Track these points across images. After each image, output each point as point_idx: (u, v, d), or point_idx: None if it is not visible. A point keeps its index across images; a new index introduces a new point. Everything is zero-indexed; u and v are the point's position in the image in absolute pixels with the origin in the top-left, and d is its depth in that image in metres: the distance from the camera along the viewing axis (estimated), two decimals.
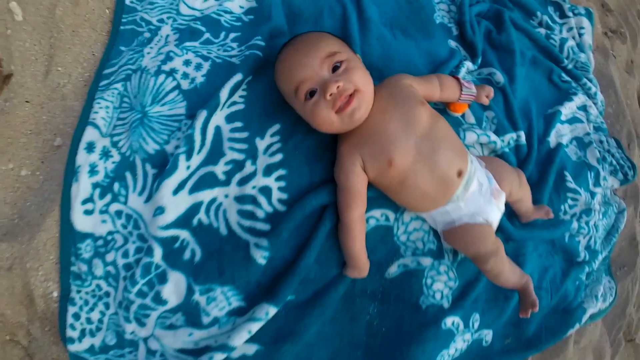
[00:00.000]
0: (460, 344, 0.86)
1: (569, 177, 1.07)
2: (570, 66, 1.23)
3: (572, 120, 1.19)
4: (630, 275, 1.32)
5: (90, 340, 0.71)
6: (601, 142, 1.21)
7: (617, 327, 1.31)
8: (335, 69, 0.69)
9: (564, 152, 1.10)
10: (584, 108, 1.22)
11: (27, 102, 0.80)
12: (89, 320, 0.71)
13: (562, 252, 1.05)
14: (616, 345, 1.32)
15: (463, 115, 0.96)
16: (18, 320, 0.74)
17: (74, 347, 0.70)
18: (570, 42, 1.26)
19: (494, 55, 1.13)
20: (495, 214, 0.80)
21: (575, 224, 1.06)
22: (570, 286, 1.04)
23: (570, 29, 1.33)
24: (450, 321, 0.83)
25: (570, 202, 1.07)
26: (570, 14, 1.35)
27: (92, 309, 0.71)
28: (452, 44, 1.10)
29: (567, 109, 1.16)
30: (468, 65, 1.04)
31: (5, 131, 0.77)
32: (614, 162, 1.20)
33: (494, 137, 0.94)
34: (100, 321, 0.72)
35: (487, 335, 0.92)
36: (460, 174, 0.75)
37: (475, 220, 0.78)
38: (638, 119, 1.51)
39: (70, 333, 0.70)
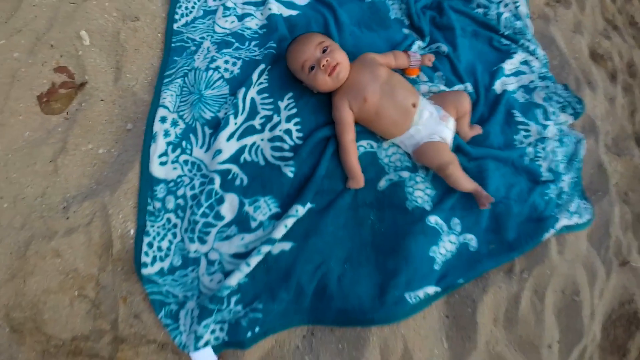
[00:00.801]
0: (448, 244, 1.10)
1: (517, 114, 1.33)
2: (507, 32, 1.52)
3: (517, 73, 1.46)
4: (606, 198, 1.48)
5: (160, 264, 1.00)
6: (547, 86, 1.46)
7: (605, 246, 1.44)
8: (324, 51, 1.10)
9: (511, 96, 1.37)
10: (526, 63, 1.49)
11: (101, 100, 1.18)
12: (159, 248, 1.01)
13: (525, 173, 1.28)
14: (608, 263, 1.46)
15: (418, 77, 1.29)
16: (89, 272, 1.03)
17: (146, 271, 0.99)
18: (506, 14, 1.56)
19: (439, 34, 1.46)
20: (446, 132, 1.12)
21: (530, 149, 1.30)
22: (538, 199, 1.24)
23: (506, 4, 1.62)
24: (433, 219, 1.09)
25: (523, 133, 1.32)
26: None
27: (162, 239, 1.02)
28: (406, 31, 1.47)
29: (509, 65, 1.44)
30: (419, 43, 1.41)
31: (85, 122, 1.15)
32: (562, 100, 1.44)
33: (443, 87, 1.24)
34: (169, 248, 1.01)
35: (472, 240, 1.14)
36: (414, 105, 1.10)
37: (433, 139, 1.09)
38: (587, 69, 1.74)
39: (144, 259, 0.99)
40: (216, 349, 0.95)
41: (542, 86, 1.46)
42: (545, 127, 1.35)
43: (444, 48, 1.39)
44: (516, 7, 1.63)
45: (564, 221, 1.22)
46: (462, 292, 1.14)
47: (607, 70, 1.89)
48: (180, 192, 1.08)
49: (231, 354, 0.98)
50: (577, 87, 1.62)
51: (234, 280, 0.95)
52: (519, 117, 1.33)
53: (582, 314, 1.24)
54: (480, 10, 1.59)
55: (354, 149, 1.10)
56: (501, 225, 1.16)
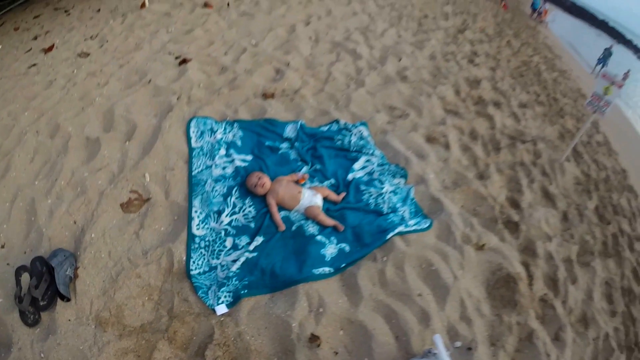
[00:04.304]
0: (330, 249, 2.28)
1: (362, 187, 2.71)
2: (354, 149, 3.00)
3: (364, 168, 2.87)
4: (442, 213, 2.61)
5: (198, 270, 2.10)
6: (383, 168, 2.88)
7: (452, 239, 2.43)
8: (259, 178, 2.52)
9: (359, 180, 2.77)
10: (368, 161, 2.92)
11: (160, 206, 2.32)
12: (198, 264, 2.11)
13: (372, 212, 2.56)
14: (459, 248, 2.38)
15: (305, 183, 2.69)
16: (157, 285, 2.07)
17: (192, 272, 2.07)
18: (354, 139, 3.07)
19: (316, 160, 2.94)
20: (317, 202, 2.46)
21: (372, 201, 2.62)
22: (381, 222, 2.47)
23: (354, 134, 3.13)
24: (319, 237, 2.31)
25: (366, 195, 2.66)
26: (354, 129, 3.17)
27: (199, 259, 2.14)
28: (299, 163, 2.90)
29: (357, 165, 2.89)
30: (305, 168, 2.84)
31: (151, 217, 2.29)
32: (394, 172, 2.86)
33: (317, 184, 2.64)
34: (201, 263, 2.12)
35: (345, 247, 2.33)
36: (299, 192, 2.44)
37: (311, 205, 2.41)
38: (422, 149, 3.19)
39: (192, 268, 2.08)
40: (227, 306, 1.99)
41: (379, 170, 2.87)
42: (382, 188, 2.70)
43: (318, 167, 2.86)
44: (361, 133, 3.14)
45: (400, 229, 2.40)
46: (347, 272, 2.17)
47: (441, 144, 3.41)
48: (206, 239, 2.25)
49: (234, 309, 2.00)
50: (407, 163, 2.99)
51: (234, 268, 2.07)
52: (363, 188, 2.70)
53: (442, 276, 2.17)
54: (340, 140, 3.09)
55: (277, 214, 2.41)
56: (359, 237, 2.38)
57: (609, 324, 2.76)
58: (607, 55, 16.09)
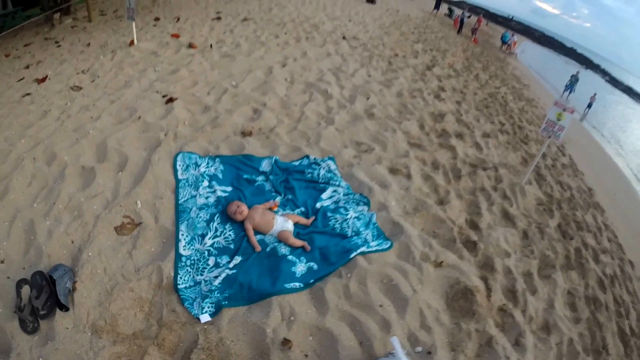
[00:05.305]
0: (300, 267, 2.65)
1: (329, 214, 3.12)
2: (322, 180, 3.43)
3: (331, 197, 3.29)
4: (402, 235, 2.97)
5: (185, 284, 2.40)
6: (349, 197, 3.30)
7: (411, 256, 2.76)
8: (238, 206, 2.89)
9: (326, 207, 3.17)
10: (335, 191, 3.35)
11: (150, 230, 2.63)
12: (184, 279, 2.42)
13: (337, 235, 2.96)
14: (418, 265, 2.69)
15: (277, 210, 3.10)
16: (148, 297, 2.36)
17: (179, 287, 2.38)
18: (322, 172, 3.50)
19: (288, 191, 3.34)
20: (288, 227, 2.85)
21: (338, 225, 3.02)
22: (345, 243, 2.85)
23: (323, 167, 3.58)
24: (290, 257, 2.67)
25: (333, 221, 3.07)
26: (322, 163, 3.62)
27: (185, 275, 2.45)
28: (273, 193, 3.31)
29: (325, 194, 3.30)
30: (279, 197, 3.23)
31: (143, 238, 2.59)
32: (358, 200, 3.28)
33: (289, 211, 3.03)
34: (187, 279, 2.43)
35: (314, 265, 2.70)
36: (273, 219, 2.83)
37: (282, 229, 2.80)
38: (385, 179, 3.63)
39: (179, 282, 2.38)
40: (210, 315, 2.29)
41: (345, 199, 3.30)
42: (346, 214, 3.11)
43: (290, 196, 3.26)
44: (329, 167, 3.59)
45: (363, 249, 2.78)
46: (315, 287, 2.47)
47: (403, 175, 3.80)
48: (192, 258, 2.56)
49: (216, 318, 2.29)
50: (370, 192, 3.42)
51: (216, 282, 2.40)
52: (330, 214, 3.11)
53: (402, 289, 2.45)
54: (310, 173, 3.52)
55: (254, 237, 2.77)
56: (326, 257, 2.75)
57: (572, 330, 2.94)
58: (573, 81, 16.85)
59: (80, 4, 8.83)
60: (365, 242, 2.88)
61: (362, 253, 2.76)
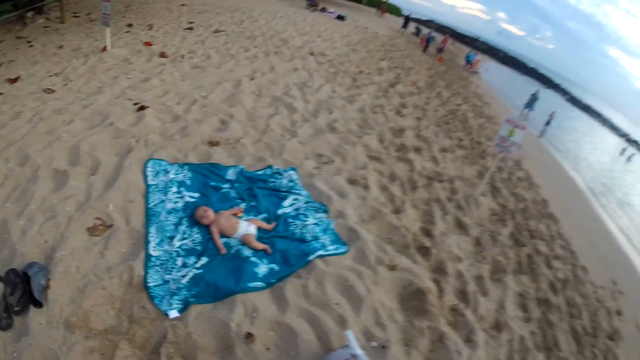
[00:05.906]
0: (262, 268, 2.91)
1: (290, 220, 3.42)
2: (284, 189, 3.74)
3: (292, 205, 3.60)
4: (358, 241, 3.18)
5: (154, 283, 2.61)
6: (309, 205, 3.61)
7: (367, 261, 2.94)
8: (205, 211, 3.11)
9: (287, 214, 3.48)
10: (296, 199, 3.65)
11: (121, 232, 2.83)
12: (154, 278, 2.63)
13: (297, 240, 3.25)
14: (373, 268, 2.87)
15: (242, 215, 3.35)
16: (119, 295, 2.52)
17: (149, 284, 2.58)
18: (284, 181, 3.83)
19: (252, 198, 3.61)
20: (251, 231, 3.11)
21: (298, 230, 3.32)
22: (304, 247, 3.15)
23: (285, 177, 3.89)
24: (252, 259, 2.94)
25: (293, 226, 3.36)
26: (285, 173, 3.92)
27: (155, 274, 2.65)
28: (237, 200, 3.60)
29: (286, 202, 3.60)
30: (243, 204, 3.50)
31: (114, 240, 2.77)
32: (317, 208, 3.59)
33: (252, 217, 3.30)
34: (157, 277, 2.64)
35: (275, 267, 2.97)
36: (237, 223, 3.10)
37: (247, 232, 3.08)
38: (343, 189, 3.95)
39: (148, 280, 2.59)
40: (178, 312, 2.50)
41: (305, 207, 3.60)
42: (306, 221, 3.41)
43: (253, 203, 3.53)
44: (290, 177, 3.90)
45: (321, 252, 3.07)
46: (276, 286, 2.64)
47: (361, 185, 4.06)
48: (161, 258, 2.76)
49: (184, 314, 2.50)
50: (329, 201, 3.72)
51: (184, 281, 2.62)
52: (291, 221, 3.40)
53: (357, 290, 2.63)
54: (273, 182, 3.82)
55: (219, 240, 2.98)
56: (286, 259, 3.02)
57: (523, 328, 3.10)
58: (532, 99, 17.65)
59: (53, 4, 8.69)
60: (323, 246, 3.17)
61: (320, 256, 3.04)
